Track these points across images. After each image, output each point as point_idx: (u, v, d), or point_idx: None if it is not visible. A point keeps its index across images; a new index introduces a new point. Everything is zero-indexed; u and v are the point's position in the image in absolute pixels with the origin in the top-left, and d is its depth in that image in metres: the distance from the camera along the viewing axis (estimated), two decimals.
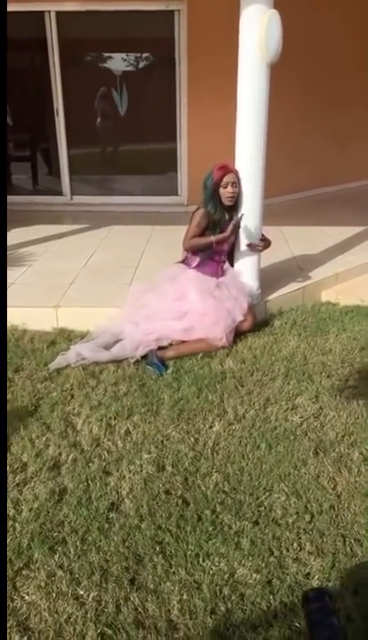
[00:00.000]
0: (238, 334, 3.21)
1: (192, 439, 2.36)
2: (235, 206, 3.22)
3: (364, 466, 2.20)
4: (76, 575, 1.73)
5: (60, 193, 6.15)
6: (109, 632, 1.56)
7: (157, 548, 1.82)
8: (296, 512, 1.96)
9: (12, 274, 3.94)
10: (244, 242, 3.31)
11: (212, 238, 3.14)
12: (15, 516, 1.95)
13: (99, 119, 6.11)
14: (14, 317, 3.33)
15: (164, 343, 3.06)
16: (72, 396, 2.69)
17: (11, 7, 4.96)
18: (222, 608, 1.62)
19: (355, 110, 6.36)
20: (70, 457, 2.24)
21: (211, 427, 2.45)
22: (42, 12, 5.46)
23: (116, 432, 2.41)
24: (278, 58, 3.00)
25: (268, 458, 2.24)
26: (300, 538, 1.86)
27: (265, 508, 1.99)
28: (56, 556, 1.79)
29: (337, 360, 3.01)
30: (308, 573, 1.73)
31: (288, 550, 1.81)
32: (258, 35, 2.90)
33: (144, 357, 2.97)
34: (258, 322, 3.36)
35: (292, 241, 4.65)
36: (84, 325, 3.26)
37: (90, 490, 2.07)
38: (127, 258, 4.32)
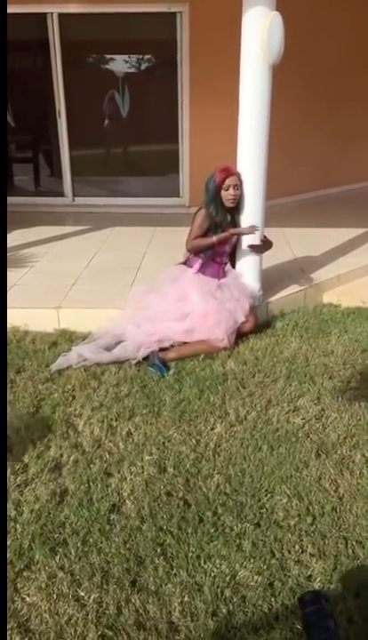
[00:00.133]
0: (240, 336, 3.20)
1: (193, 441, 2.36)
2: (237, 208, 3.22)
3: (367, 468, 2.19)
4: (77, 577, 1.73)
5: (61, 194, 6.15)
6: (110, 634, 1.55)
7: (158, 550, 1.81)
8: (298, 514, 1.96)
9: (14, 275, 3.95)
10: (245, 243, 3.30)
11: (214, 238, 3.14)
12: (16, 517, 1.95)
13: (106, 121, 6.12)
14: (16, 318, 3.33)
15: (166, 344, 3.06)
16: (73, 398, 2.69)
17: (13, 9, 4.99)
18: (224, 610, 1.62)
19: (357, 111, 6.37)
20: (71, 458, 2.24)
21: (212, 428, 2.44)
22: (44, 14, 5.48)
23: (118, 433, 2.41)
24: (280, 59, 3.01)
25: (269, 460, 2.23)
26: (301, 540, 1.85)
27: (266, 509, 1.98)
28: (57, 558, 1.79)
29: (339, 362, 3.01)
30: (310, 576, 1.73)
31: (290, 552, 1.81)
32: (260, 36, 2.90)
33: (145, 359, 2.97)
34: (259, 323, 3.36)
35: (294, 242, 4.64)
36: (86, 326, 3.26)
37: (91, 491, 2.06)
38: (129, 259, 4.32)
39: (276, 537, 1.86)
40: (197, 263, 3.25)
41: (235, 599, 1.65)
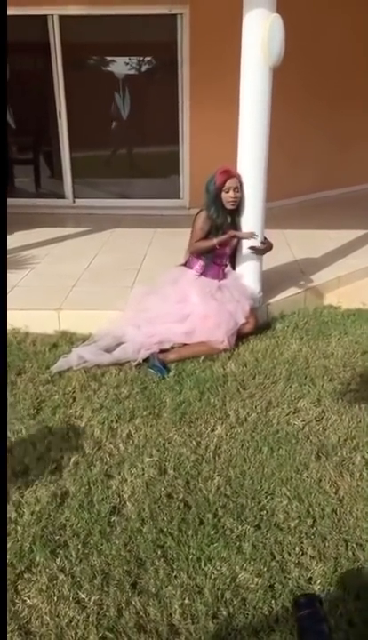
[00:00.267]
0: (240, 337, 3.21)
1: (194, 442, 2.36)
2: (237, 210, 3.22)
3: (367, 470, 2.19)
4: (78, 579, 1.73)
5: (62, 196, 6.16)
6: (111, 636, 1.56)
7: (159, 552, 1.81)
8: (298, 516, 1.96)
9: (15, 276, 3.95)
10: (246, 245, 3.30)
11: (214, 241, 3.14)
12: (17, 519, 1.95)
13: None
14: (17, 320, 3.33)
15: (166, 346, 3.06)
16: (74, 399, 2.69)
17: (14, 11, 5.00)
18: (224, 612, 1.62)
19: (358, 112, 6.38)
20: (72, 460, 2.24)
21: (212, 430, 2.44)
22: (45, 16, 5.49)
23: (118, 435, 2.41)
24: (281, 61, 3.01)
25: (269, 461, 2.23)
26: (301, 542, 1.85)
27: (267, 511, 1.98)
28: (58, 560, 1.79)
29: (339, 364, 3.01)
30: (310, 578, 1.73)
31: (290, 555, 1.81)
32: (260, 38, 2.91)
33: (146, 360, 2.97)
34: (260, 325, 3.36)
35: (294, 244, 4.65)
36: (86, 328, 3.26)
37: (91, 493, 2.06)
38: (129, 261, 4.33)
39: (277, 539, 1.86)
40: (198, 265, 3.25)
41: (235, 601, 1.65)
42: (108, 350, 3.03)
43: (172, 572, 1.75)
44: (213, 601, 1.65)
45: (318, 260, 4.29)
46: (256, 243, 3.29)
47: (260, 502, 2.02)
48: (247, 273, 3.41)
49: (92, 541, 1.86)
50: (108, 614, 1.61)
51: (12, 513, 1.97)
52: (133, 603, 1.64)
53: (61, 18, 5.49)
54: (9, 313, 3.28)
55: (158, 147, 6.30)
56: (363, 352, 3.13)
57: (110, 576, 1.74)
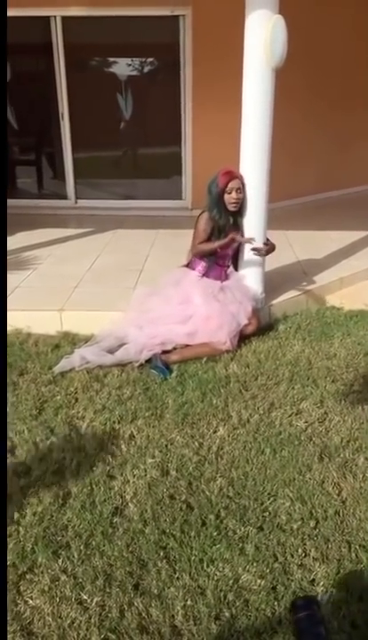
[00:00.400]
0: (242, 338, 3.20)
1: (196, 443, 2.36)
2: (239, 211, 3.22)
3: None
4: (80, 580, 1.72)
5: (64, 197, 6.17)
6: (113, 637, 1.55)
7: (161, 553, 1.81)
8: (301, 518, 1.95)
9: (17, 277, 3.95)
10: (248, 246, 3.30)
11: (215, 244, 3.14)
12: (19, 519, 1.94)
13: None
14: (19, 321, 3.34)
15: (169, 347, 3.06)
16: (76, 400, 2.69)
17: (17, 12, 5.01)
18: (227, 614, 1.61)
19: (360, 113, 6.38)
20: (74, 461, 2.24)
21: (215, 431, 2.44)
22: (48, 17, 5.50)
23: (120, 436, 2.41)
24: (283, 62, 3.01)
25: (272, 463, 2.23)
26: (304, 544, 1.85)
27: (269, 513, 1.98)
28: (60, 561, 1.78)
29: (342, 365, 3.01)
30: (313, 580, 1.72)
31: (293, 556, 1.80)
32: (263, 39, 2.91)
33: (148, 361, 2.97)
34: (262, 326, 3.36)
35: (297, 245, 4.65)
36: (89, 329, 3.26)
37: (94, 494, 2.06)
38: (131, 262, 4.33)
39: (279, 540, 1.86)
40: (200, 266, 3.25)
41: (237, 603, 1.64)
42: (111, 351, 3.03)
43: (175, 573, 1.74)
44: (216, 602, 1.65)
45: (321, 262, 4.29)
46: (259, 244, 3.29)
47: (262, 504, 2.02)
48: (250, 274, 3.40)
49: (94, 542, 1.85)
50: (110, 615, 1.61)
51: (14, 513, 1.97)
52: (136, 604, 1.64)
53: (64, 19, 5.50)
54: (11, 313, 3.29)
55: (161, 148, 6.31)
56: (365, 353, 3.12)
57: (112, 577, 1.73)
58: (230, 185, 3.09)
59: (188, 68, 5.58)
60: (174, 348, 3.07)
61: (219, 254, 3.22)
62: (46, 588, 1.69)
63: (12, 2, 4.54)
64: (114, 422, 2.50)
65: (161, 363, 2.93)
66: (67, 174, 6.09)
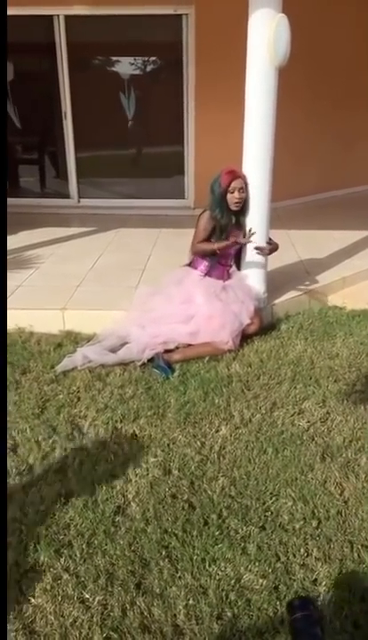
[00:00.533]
0: (245, 337, 3.20)
1: (198, 443, 2.36)
2: (242, 210, 3.21)
3: None
4: (82, 578, 1.73)
5: (67, 196, 6.17)
6: (115, 636, 1.55)
7: (163, 553, 1.81)
8: (303, 517, 1.95)
9: (20, 276, 3.96)
10: (251, 246, 3.30)
11: (215, 246, 3.14)
12: (21, 518, 1.95)
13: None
14: (21, 319, 3.34)
15: (171, 346, 3.06)
16: (78, 399, 2.69)
17: (20, 11, 5.02)
18: (228, 613, 1.61)
19: (363, 113, 6.36)
20: (76, 460, 2.24)
21: (217, 430, 2.44)
22: (51, 16, 5.50)
23: (123, 435, 2.41)
24: (286, 61, 3.01)
25: (274, 462, 2.23)
26: (306, 544, 1.85)
27: (271, 513, 1.98)
28: (62, 560, 1.79)
29: (344, 364, 3.00)
30: (315, 579, 1.72)
31: (295, 556, 1.80)
32: (266, 39, 2.90)
33: (150, 360, 2.97)
34: (264, 325, 3.35)
35: (299, 245, 4.64)
36: (91, 328, 3.26)
37: (96, 493, 2.06)
38: (134, 261, 4.33)
39: (281, 540, 1.86)
40: (202, 265, 3.25)
41: (240, 602, 1.64)
42: (113, 350, 3.03)
43: (177, 572, 1.74)
44: (218, 602, 1.65)
45: (323, 261, 4.28)
46: (261, 243, 3.29)
47: (264, 503, 2.02)
48: (252, 273, 3.40)
49: (96, 541, 1.85)
50: (112, 614, 1.61)
51: (16, 512, 1.97)
52: (138, 603, 1.64)
53: (67, 18, 5.50)
54: (14, 312, 3.30)
55: (163, 147, 6.30)
56: None
57: (114, 576, 1.73)
58: (233, 184, 3.08)
59: (191, 67, 5.58)
60: (176, 348, 3.07)
61: (220, 254, 3.22)
62: (48, 587, 1.69)
63: (15, 0, 4.56)
64: (116, 421, 2.50)
65: (163, 362, 2.93)
66: (69, 173, 6.09)
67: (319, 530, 1.90)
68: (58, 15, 5.49)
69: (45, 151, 6.45)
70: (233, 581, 1.71)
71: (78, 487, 2.09)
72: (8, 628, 1.56)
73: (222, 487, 2.09)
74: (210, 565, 1.76)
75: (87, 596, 1.67)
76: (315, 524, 1.92)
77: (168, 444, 2.35)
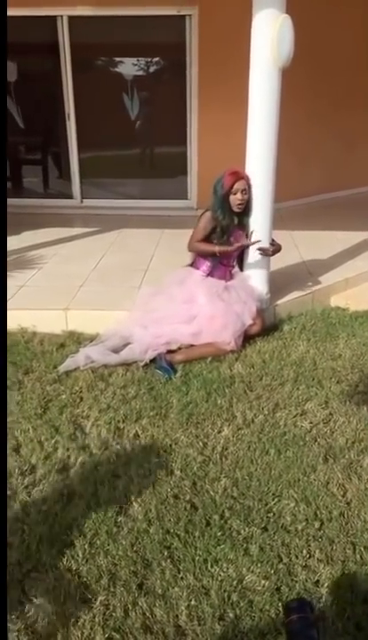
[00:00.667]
0: (247, 338, 3.20)
1: (201, 443, 2.35)
2: (245, 211, 3.21)
3: None
4: (85, 579, 1.73)
5: (70, 196, 6.18)
6: (117, 636, 1.55)
7: (166, 553, 1.81)
8: (305, 519, 1.95)
9: (23, 276, 3.96)
10: (254, 247, 3.29)
11: (216, 249, 3.13)
12: (24, 518, 1.95)
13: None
14: (24, 319, 3.35)
15: (173, 347, 3.06)
16: (81, 399, 2.69)
17: (23, 12, 5.03)
18: (230, 614, 1.61)
19: (366, 113, 6.34)
20: (79, 460, 2.24)
21: (219, 431, 2.44)
22: (54, 17, 5.51)
23: (125, 435, 2.41)
24: (290, 62, 3.00)
25: (277, 463, 2.23)
26: (309, 545, 1.85)
27: (274, 514, 1.97)
28: (64, 560, 1.79)
29: (347, 366, 3.00)
30: (317, 581, 1.72)
31: (297, 557, 1.80)
32: (270, 39, 2.90)
33: (153, 361, 2.97)
34: (267, 326, 3.35)
35: (302, 246, 4.63)
36: (94, 328, 3.26)
37: (98, 493, 2.06)
38: (136, 261, 4.33)
39: (284, 541, 1.86)
40: (205, 265, 3.24)
41: (242, 603, 1.64)
42: (116, 350, 3.03)
43: (179, 573, 1.74)
44: (220, 603, 1.65)
45: (326, 262, 4.27)
46: (265, 244, 3.29)
47: (267, 504, 2.01)
48: (255, 274, 3.40)
49: (98, 541, 1.86)
50: (114, 615, 1.61)
51: (19, 512, 1.97)
52: (140, 603, 1.64)
53: (70, 19, 5.50)
54: (17, 312, 3.30)
55: (166, 147, 6.31)
56: None
57: (117, 576, 1.73)
58: (236, 186, 3.08)
59: (194, 68, 5.58)
60: (179, 348, 3.07)
61: (221, 255, 3.21)
62: (51, 587, 1.69)
63: (18, 1, 4.57)
64: (118, 421, 2.50)
65: (165, 363, 2.94)
66: (72, 174, 6.09)
67: (321, 531, 1.90)
68: (61, 16, 5.49)
69: (48, 151, 6.46)
70: (235, 582, 1.71)
71: (81, 487, 2.10)
72: (10, 627, 1.56)
73: (224, 488, 2.09)
74: (212, 566, 1.76)
75: (89, 596, 1.67)
76: (317, 525, 1.92)
77: (170, 445, 2.35)
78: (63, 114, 5.87)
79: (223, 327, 3.07)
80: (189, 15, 5.42)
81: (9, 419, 2.50)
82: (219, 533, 1.88)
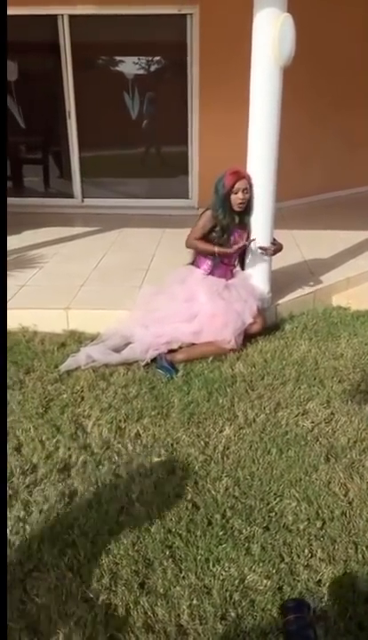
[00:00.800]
0: (248, 337, 3.20)
1: (202, 443, 2.35)
2: (246, 211, 3.21)
3: None
4: (86, 578, 1.72)
5: (71, 195, 6.17)
6: (119, 636, 1.55)
7: (167, 552, 1.81)
8: (307, 518, 1.94)
9: (24, 275, 3.96)
10: (255, 247, 3.29)
11: (215, 249, 3.13)
12: (25, 517, 1.95)
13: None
14: (25, 319, 3.34)
15: (174, 346, 3.06)
16: (82, 398, 2.69)
17: (24, 11, 5.03)
18: (232, 614, 1.61)
19: (367, 113, 6.34)
20: (80, 459, 2.24)
21: (221, 431, 2.44)
22: (55, 16, 5.50)
23: (126, 435, 2.41)
24: (291, 61, 3.00)
25: (278, 463, 2.22)
26: (311, 544, 1.84)
27: (276, 513, 1.97)
28: (66, 559, 1.79)
29: (348, 365, 2.99)
30: (319, 580, 1.72)
31: (299, 557, 1.80)
32: (271, 38, 2.90)
33: (154, 360, 2.97)
34: (268, 326, 3.35)
35: (303, 245, 4.63)
36: (95, 328, 3.26)
37: (100, 492, 2.06)
38: (137, 260, 4.33)
39: (286, 541, 1.85)
40: (206, 264, 3.24)
41: (243, 603, 1.64)
42: (117, 350, 3.03)
43: (181, 572, 1.74)
44: (222, 602, 1.64)
45: (327, 261, 4.27)
46: (266, 243, 3.28)
47: (268, 504, 2.01)
48: (256, 273, 3.39)
49: (100, 541, 1.85)
50: (116, 614, 1.61)
51: (20, 511, 1.97)
52: (141, 603, 1.64)
53: (71, 17, 5.50)
54: (18, 312, 3.30)
55: (167, 146, 6.30)
56: None
57: (118, 576, 1.73)
58: (237, 185, 3.07)
59: (196, 67, 5.57)
60: (180, 347, 3.07)
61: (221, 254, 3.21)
62: (52, 586, 1.69)
63: (18, 0, 4.57)
64: (120, 421, 2.50)
65: (167, 362, 2.93)
66: (73, 173, 6.09)
67: (323, 531, 1.90)
68: (62, 15, 5.49)
69: (49, 151, 6.45)
70: (237, 582, 1.71)
71: (82, 487, 2.09)
72: (12, 627, 1.56)
73: (226, 487, 2.09)
74: (214, 565, 1.76)
75: (91, 595, 1.67)
76: (319, 524, 1.92)
77: (172, 444, 2.35)
78: (64, 113, 5.87)
79: (224, 325, 3.07)
80: (190, 14, 5.41)
81: (10, 418, 2.50)
82: (220, 533, 1.87)
